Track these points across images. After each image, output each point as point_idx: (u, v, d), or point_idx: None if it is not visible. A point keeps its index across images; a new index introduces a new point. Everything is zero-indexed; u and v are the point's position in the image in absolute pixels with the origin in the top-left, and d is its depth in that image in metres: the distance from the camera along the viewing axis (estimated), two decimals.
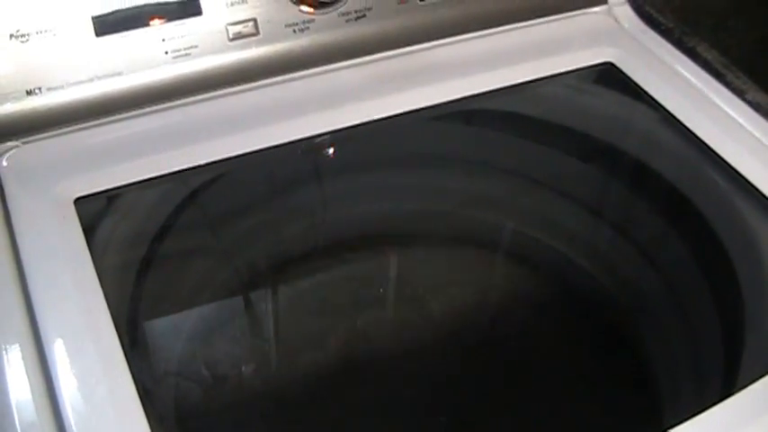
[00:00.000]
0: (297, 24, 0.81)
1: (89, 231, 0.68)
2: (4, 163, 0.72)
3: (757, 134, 0.82)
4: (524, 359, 0.82)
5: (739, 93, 0.88)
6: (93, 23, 0.73)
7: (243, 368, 0.85)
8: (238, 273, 0.91)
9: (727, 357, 0.71)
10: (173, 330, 0.83)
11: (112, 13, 0.74)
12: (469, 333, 0.86)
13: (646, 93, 0.85)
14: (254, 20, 0.79)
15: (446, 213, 0.94)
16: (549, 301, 0.89)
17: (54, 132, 0.74)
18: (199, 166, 0.75)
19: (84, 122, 0.75)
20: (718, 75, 0.92)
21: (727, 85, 0.89)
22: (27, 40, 0.72)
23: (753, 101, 0.87)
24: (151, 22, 0.76)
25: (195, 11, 0.77)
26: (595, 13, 0.93)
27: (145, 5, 0.75)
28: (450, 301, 0.90)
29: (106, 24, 0.74)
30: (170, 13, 0.76)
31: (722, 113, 0.84)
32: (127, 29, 0.75)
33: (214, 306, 0.88)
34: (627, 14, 0.94)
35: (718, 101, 0.85)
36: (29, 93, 0.73)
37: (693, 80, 0.87)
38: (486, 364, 0.82)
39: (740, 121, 0.83)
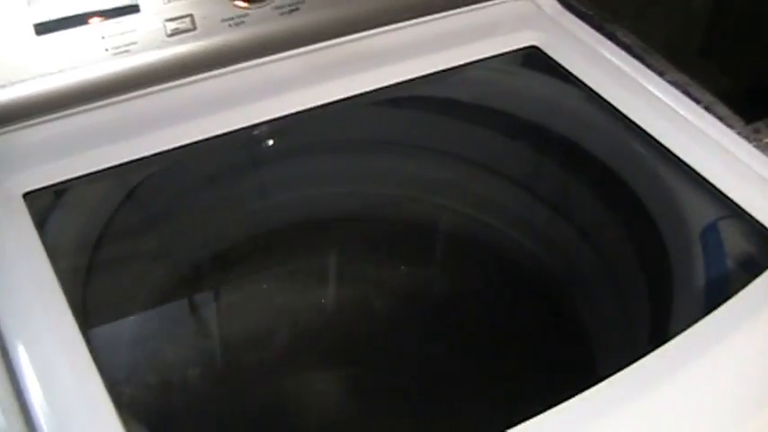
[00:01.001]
0: (233, 19, 0.83)
1: (40, 225, 0.70)
2: None
3: (676, 107, 0.86)
4: (471, 334, 0.85)
5: (659, 73, 0.93)
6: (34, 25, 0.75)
7: (188, 372, 0.85)
8: (180, 272, 0.91)
9: (654, 321, 0.75)
10: (115, 336, 0.83)
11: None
12: (416, 318, 0.88)
13: (570, 73, 0.89)
14: (191, 15, 0.81)
15: (384, 197, 0.97)
16: (489, 276, 0.92)
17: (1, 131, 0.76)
18: (141, 159, 0.77)
19: (28, 120, 0.77)
20: (638, 57, 0.97)
21: (647, 66, 0.94)
22: None
23: (671, 80, 0.92)
24: (90, 21, 0.77)
25: (133, 8, 0.79)
26: (519, 0, 0.97)
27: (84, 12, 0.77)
28: (395, 288, 0.92)
29: (46, 24, 0.76)
30: (108, 12, 0.78)
31: (643, 89, 0.88)
32: (66, 27, 0.76)
33: (156, 308, 0.88)
34: (548, 1, 0.98)
35: (638, 78, 0.89)
36: None
37: (615, 60, 0.91)
38: (437, 341, 0.84)
39: (660, 96, 0.88)
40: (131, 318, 0.85)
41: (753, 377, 0.64)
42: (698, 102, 0.87)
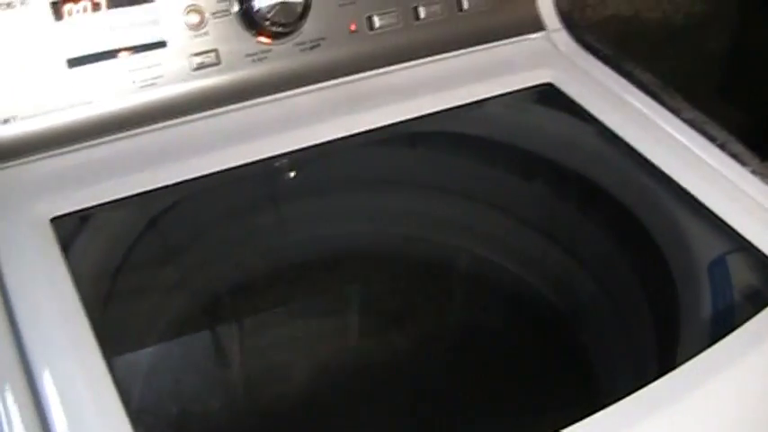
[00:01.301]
0: (255, 54, 0.87)
1: (65, 249, 0.72)
2: None
3: (689, 144, 0.88)
4: (485, 370, 0.86)
5: (675, 112, 0.95)
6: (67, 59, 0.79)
7: (209, 403, 0.87)
8: (201, 302, 0.93)
9: (660, 351, 0.76)
10: (136, 364, 0.85)
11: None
12: (434, 356, 0.90)
13: (584, 110, 0.91)
14: (216, 50, 0.85)
15: (397, 235, 0.98)
16: (498, 311, 0.94)
17: (30, 158, 0.79)
18: (164, 187, 0.79)
19: (57, 149, 0.80)
20: (654, 96, 0.99)
21: (663, 104, 0.95)
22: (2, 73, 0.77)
23: (687, 118, 0.94)
24: (119, 55, 0.81)
25: (160, 44, 0.82)
26: (534, 39, 1.00)
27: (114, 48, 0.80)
28: (412, 326, 0.93)
29: (78, 59, 0.79)
30: (137, 47, 0.81)
31: (656, 126, 0.90)
32: (97, 61, 0.80)
33: (176, 338, 0.90)
34: (564, 40, 1.00)
35: (652, 116, 0.91)
36: (5, 121, 0.77)
37: (629, 98, 0.93)
38: (451, 375, 0.86)
39: (673, 133, 0.89)
40: (151, 346, 0.87)
41: (755, 407, 0.65)
42: (713, 139, 0.89)
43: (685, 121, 0.92)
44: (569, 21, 1.10)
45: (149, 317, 0.87)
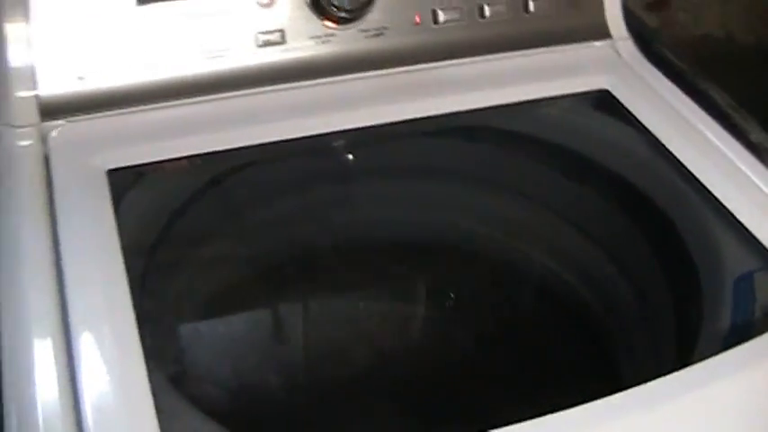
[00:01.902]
0: (320, 37, 0.91)
1: (117, 200, 0.77)
2: (53, 135, 0.82)
3: (739, 164, 0.88)
4: (528, 361, 0.89)
5: (742, 132, 0.95)
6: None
7: (267, 378, 0.90)
8: (255, 273, 0.97)
9: (679, 353, 0.77)
10: (193, 331, 0.89)
11: None
12: (481, 346, 0.93)
13: (635, 118, 0.92)
14: (282, 30, 0.89)
15: (440, 223, 1.01)
16: (533, 305, 0.96)
17: (97, 114, 0.84)
18: (220, 152, 0.84)
19: (123, 108, 0.85)
20: (722, 114, 0.99)
21: (732, 125, 0.96)
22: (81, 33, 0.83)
23: (756, 141, 0.94)
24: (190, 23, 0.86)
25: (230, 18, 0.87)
26: (599, 46, 1.01)
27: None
28: (466, 316, 0.96)
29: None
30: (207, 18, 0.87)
31: (706, 142, 0.90)
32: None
33: (233, 308, 0.94)
34: (628, 49, 1.01)
35: (705, 131, 0.92)
36: (80, 78, 0.83)
37: (684, 111, 0.94)
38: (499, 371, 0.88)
39: (725, 151, 0.90)
40: (200, 317, 0.91)
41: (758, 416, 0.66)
42: None
43: (751, 143, 0.93)
44: (645, 33, 1.11)
45: (198, 282, 0.91)
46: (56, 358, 0.64)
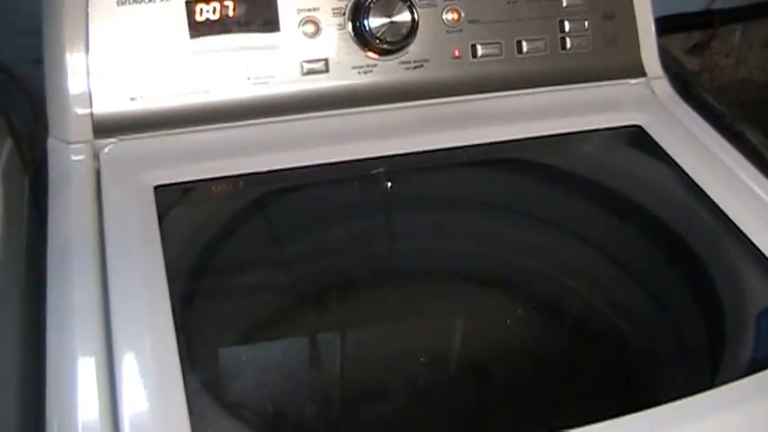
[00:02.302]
0: (362, 67, 0.94)
1: (162, 215, 0.81)
2: (105, 151, 0.87)
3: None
4: (561, 394, 0.90)
5: None
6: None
7: (305, 406, 0.89)
8: (292, 299, 0.98)
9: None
10: (233, 356, 0.90)
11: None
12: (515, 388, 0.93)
13: (667, 154, 0.94)
14: (326, 60, 0.93)
15: (474, 255, 1.03)
16: (566, 334, 0.97)
17: (147, 134, 0.89)
18: (262, 173, 0.88)
19: (172, 129, 0.89)
20: (760, 156, 1.01)
21: (766, 165, 0.97)
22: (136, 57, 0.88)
23: None
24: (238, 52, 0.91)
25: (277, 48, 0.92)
26: (634, 84, 1.04)
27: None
28: (507, 351, 0.97)
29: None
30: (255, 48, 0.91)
31: (737, 180, 0.92)
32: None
33: (272, 333, 0.95)
34: (663, 88, 1.04)
35: (736, 169, 0.93)
36: (132, 99, 0.88)
37: (717, 150, 0.96)
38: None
39: (755, 189, 0.92)
40: (243, 339, 0.92)
41: None
42: None
43: None
44: (684, 75, 1.14)
45: (236, 306, 0.93)
46: (98, 374, 0.67)
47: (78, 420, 0.64)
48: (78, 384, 0.66)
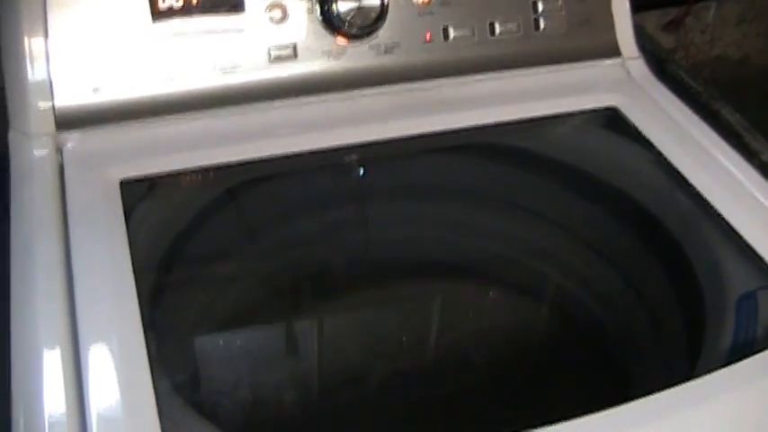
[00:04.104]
0: (331, 52, 0.92)
1: (129, 211, 0.79)
2: (68, 145, 0.84)
3: (746, 183, 0.88)
4: (539, 375, 0.90)
5: (753, 153, 0.96)
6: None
7: (283, 394, 0.90)
8: (275, 291, 0.98)
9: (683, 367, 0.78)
10: (202, 345, 0.90)
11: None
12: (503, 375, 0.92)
13: (642, 136, 0.93)
14: (294, 45, 0.91)
15: (448, 242, 1.02)
16: (549, 322, 0.97)
17: (111, 126, 0.86)
18: (231, 164, 0.86)
19: (137, 120, 0.87)
20: (735, 135, 0.99)
21: (743, 145, 0.96)
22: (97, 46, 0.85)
23: (765, 161, 0.94)
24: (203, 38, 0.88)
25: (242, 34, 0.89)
26: (609, 64, 1.02)
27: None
28: (482, 335, 0.96)
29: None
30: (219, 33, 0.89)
31: (713, 161, 0.91)
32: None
33: (244, 322, 0.94)
34: (638, 68, 1.02)
35: (712, 150, 0.92)
36: (95, 90, 0.85)
37: (692, 130, 0.94)
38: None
39: (732, 169, 0.90)
40: (212, 331, 0.92)
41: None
42: None
43: (761, 163, 0.93)
44: (659, 53, 1.12)
45: (208, 296, 0.92)
46: (64, 368, 0.65)
47: (45, 414, 0.62)
48: (44, 379, 0.64)
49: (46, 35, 0.84)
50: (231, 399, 0.87)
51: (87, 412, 0.62)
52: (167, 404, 0.65)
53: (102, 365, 0.65)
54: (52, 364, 0.65)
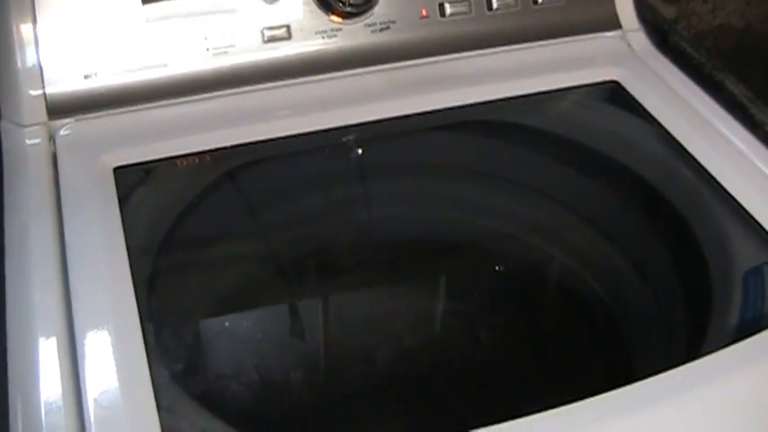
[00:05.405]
0: (326, 32, 0.91)
1: (124, 198, 0.78)
2: (61, 133, 0.83)
3: (750, 155, 0.87)
4: (543, 355, 0.89)
5: (758, 124, 0.94)
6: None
7: (290, 375, 0.90)
8: (270, 270, 0.97)
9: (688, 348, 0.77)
10: (202, 330, 0.90)
11: None
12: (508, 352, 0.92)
13: (645, 110, 0.91)
14: (288, 26, 0.89)
15: (450, 220, 1.01)
16: (552, 300, 0.96)
17: (104, 112, 0.85)
18: (227, 148, 0.84)
19: (130, 106, 0.86)
20: (739, 107, 0.98)
21: (748, 117, 0.94)
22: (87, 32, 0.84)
23: None
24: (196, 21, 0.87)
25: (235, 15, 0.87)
26: (609, 37, 1.01)
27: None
28: (485, 313, 0.96)
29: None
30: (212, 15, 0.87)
31: (717, 133, 0.89)
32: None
33: (244, 306, 0.93)
34: (640, 40, 1.00)
35: (715, 122, 0.91)
36: (86, 77, 0.84)
37: (695, 103, 0.93)
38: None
39: (736, 142, 0.89)
40: (210, 314, 0.91)
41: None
42: None
43: (766, 134, 0.92)
44: (661, 24, 1.10)
45: (206, 280, 0.91)
46: (60, 357, 0.64)
47: (42, 402, 0.62)
48: (40, 367, 0.64)
49: (35, 21, 0.82)
50: (237, 381, 0.86)
51: (84, 400, 0.61)
52: (164, 390, 0.64)
53: (98, 352, 0.64)
54: (48, 352, 0.65)
